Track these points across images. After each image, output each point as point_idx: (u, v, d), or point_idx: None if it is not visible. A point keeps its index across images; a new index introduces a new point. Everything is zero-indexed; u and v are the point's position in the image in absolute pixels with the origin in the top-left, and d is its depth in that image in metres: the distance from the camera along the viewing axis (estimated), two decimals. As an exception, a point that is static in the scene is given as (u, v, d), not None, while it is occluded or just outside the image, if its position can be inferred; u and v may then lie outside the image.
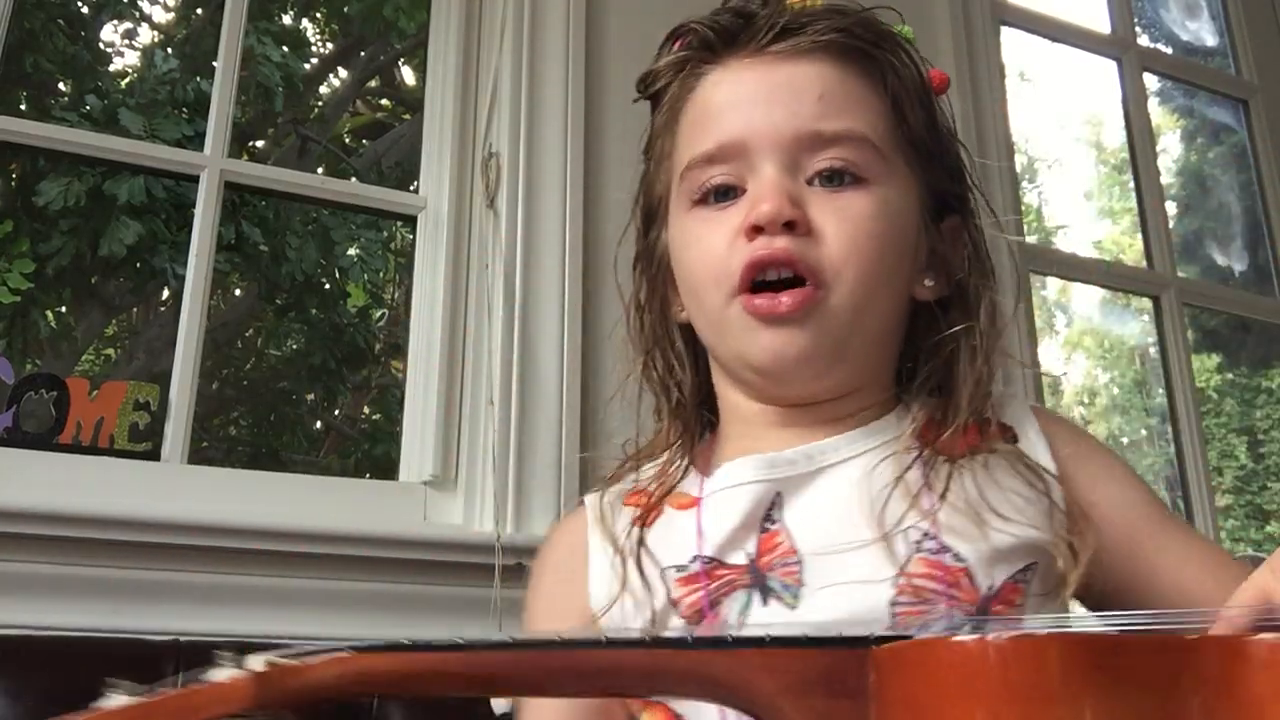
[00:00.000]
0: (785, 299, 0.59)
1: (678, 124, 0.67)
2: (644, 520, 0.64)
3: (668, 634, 0.53)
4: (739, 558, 0.60)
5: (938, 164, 0.67)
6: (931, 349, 0.66)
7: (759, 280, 0.60)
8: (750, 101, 0.63)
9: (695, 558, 0.61)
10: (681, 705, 0.60)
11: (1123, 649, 0.34)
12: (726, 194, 0.63)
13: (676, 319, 0.69)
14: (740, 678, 0.36)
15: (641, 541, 0.63)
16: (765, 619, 0.58)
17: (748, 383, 0.65)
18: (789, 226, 0.60)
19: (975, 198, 0.71)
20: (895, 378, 0.67)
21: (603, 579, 0.64)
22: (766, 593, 0.59)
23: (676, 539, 0.62)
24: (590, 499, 0.70)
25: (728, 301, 0.62)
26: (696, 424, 0.70)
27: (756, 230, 0.60)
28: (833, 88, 0.63)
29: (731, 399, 0.68)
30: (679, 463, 0.67)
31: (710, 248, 0.63)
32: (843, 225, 0.61)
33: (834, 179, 0.62)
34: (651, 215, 0.71)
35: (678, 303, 0.69)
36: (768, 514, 0.61)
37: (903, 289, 0.65)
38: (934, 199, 0.67)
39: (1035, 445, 0.64)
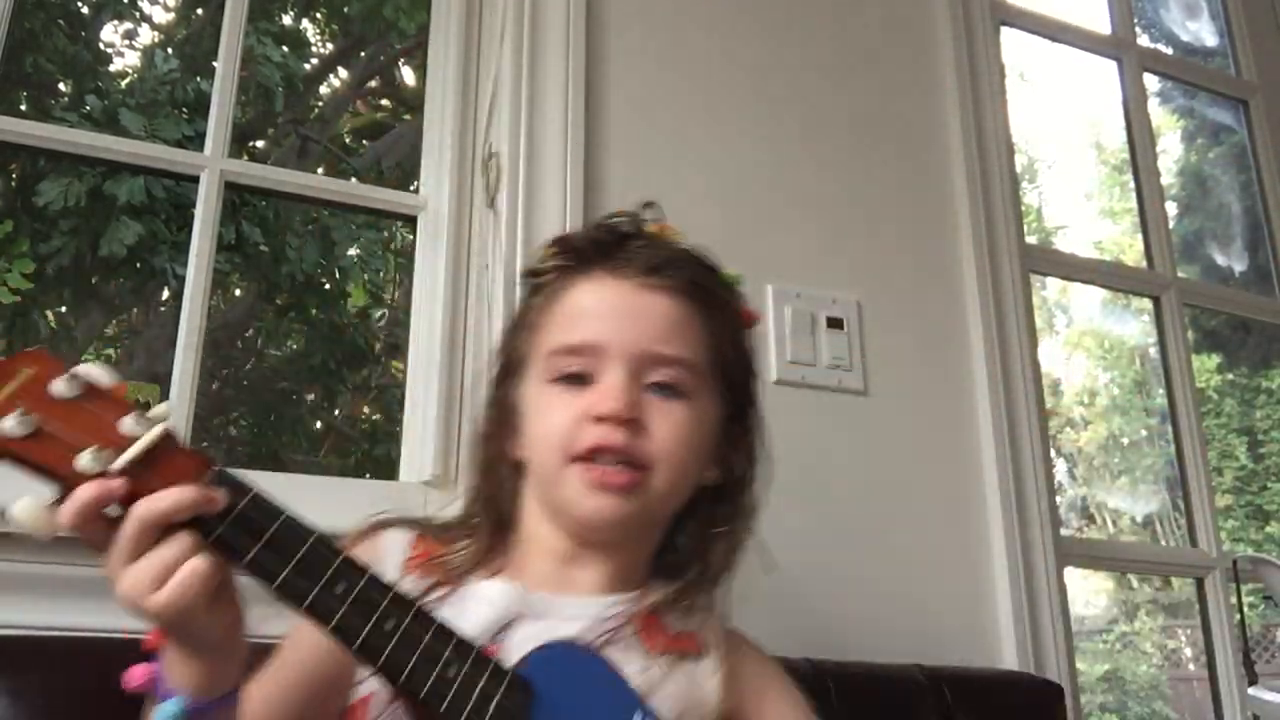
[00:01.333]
0: (619, 477, 0.77)
1: (550, 310, 0.84)
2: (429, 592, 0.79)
3: None
4: None
5: (738, 386, 0.87)
6: (696, 531, 0.85)
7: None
8: (612, 314, 0.81)
9: None
10: None
11: None
12: (579, 380, 0.80)
13: (511, 455, 0.85)
14: None
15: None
16: None
17: (564, 525, 0.81)
18: (629, 423, 0.77)
19: (757, 416, 0.90)
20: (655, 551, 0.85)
21: None
22: None
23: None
24: (391, 539, 0.85)
25: (567, 464, 0.78)
26: (502, 536, 0.85)
27: (602, 419, 0.77)
28: (676, 320, 0.82)
29: (533, 525, 0.83)
30: (468, 558, 0.82)
31: (561, 421, 0.79)
32: (666, 428, 0.79)
33: (664, 390, 0.80)
34: (510, 369, 0.87)
35: (517, 444, 0.84)
36: (500, 631, 0.76)
37: (697, 477, 0.83)
38: (730, 411, 0.86)
39: (712, 670, 0.80)
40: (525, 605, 0.78)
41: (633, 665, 0.76)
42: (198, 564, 0.58)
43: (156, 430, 0.60)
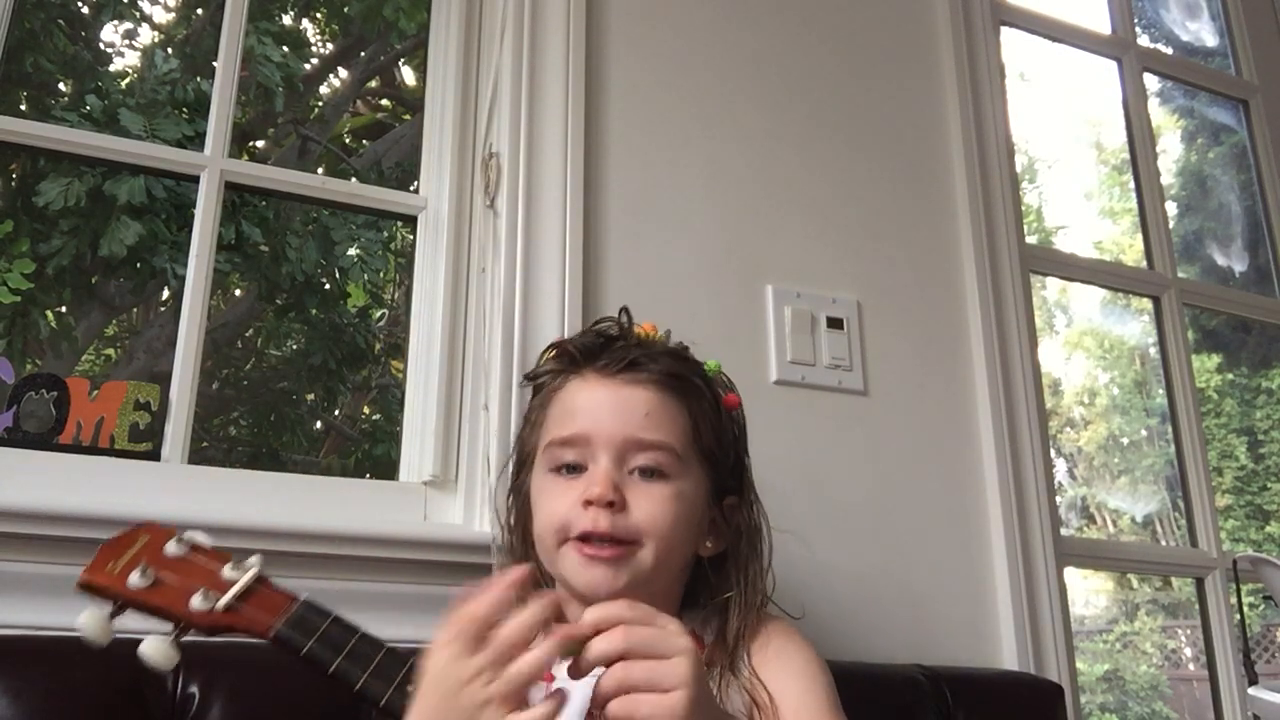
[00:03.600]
0: (606, 551, 0.88)
1: (548, 407, 0.97)
2: None
3: None
4: None
5: (722, 464, 0.97)
6: (708, 595, 0.96)
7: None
8: (599, 408, 0.93)
9: None
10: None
11: None
12: (574, 469, 0.92)
13: (532, 537, 0.97)
14: None
15: None
16: None
17: (575, 598, 0.91)
18: (611, 504, 0.88)
19: (751, 492, 1.01)
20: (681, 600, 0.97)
21: None
22: None
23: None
24: None
25: (562, 543, 0.90)
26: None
27: (589, 503, 0.88)
28: (655, 409, 0.92)
29: (564, 600, 0.93)
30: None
31: (558, 507, 0.91)
32: (647, 506, 0.90)
33: (646, 474, 0.91)
34: (523, 462, 1.00)
35: (534, 528, 0.96)
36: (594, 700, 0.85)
37: (690, 548, 0.95)
38: (718, 485, 0.97)
39: (744, 658, 0.91)
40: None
41: None
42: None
43: (250, 574, 0.74)
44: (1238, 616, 1.80)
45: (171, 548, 0.75)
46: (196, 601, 0.72)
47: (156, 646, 0.71)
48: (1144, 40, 2.38)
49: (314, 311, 4.59)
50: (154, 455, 1.24)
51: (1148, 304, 2.12)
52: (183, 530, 0.77)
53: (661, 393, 0.93)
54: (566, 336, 1.03)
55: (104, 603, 0.73)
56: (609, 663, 0.67)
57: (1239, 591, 1.64)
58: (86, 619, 0.71)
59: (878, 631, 1.41)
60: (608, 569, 0.88)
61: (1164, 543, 6.37)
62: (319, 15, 5.45)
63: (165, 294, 4.64)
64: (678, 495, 0.91)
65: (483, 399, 1.34)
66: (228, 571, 0.74)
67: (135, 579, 0.72)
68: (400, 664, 0.72)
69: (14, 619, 1.04)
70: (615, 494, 0.89)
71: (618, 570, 0.88)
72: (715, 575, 0.97)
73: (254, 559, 0.76)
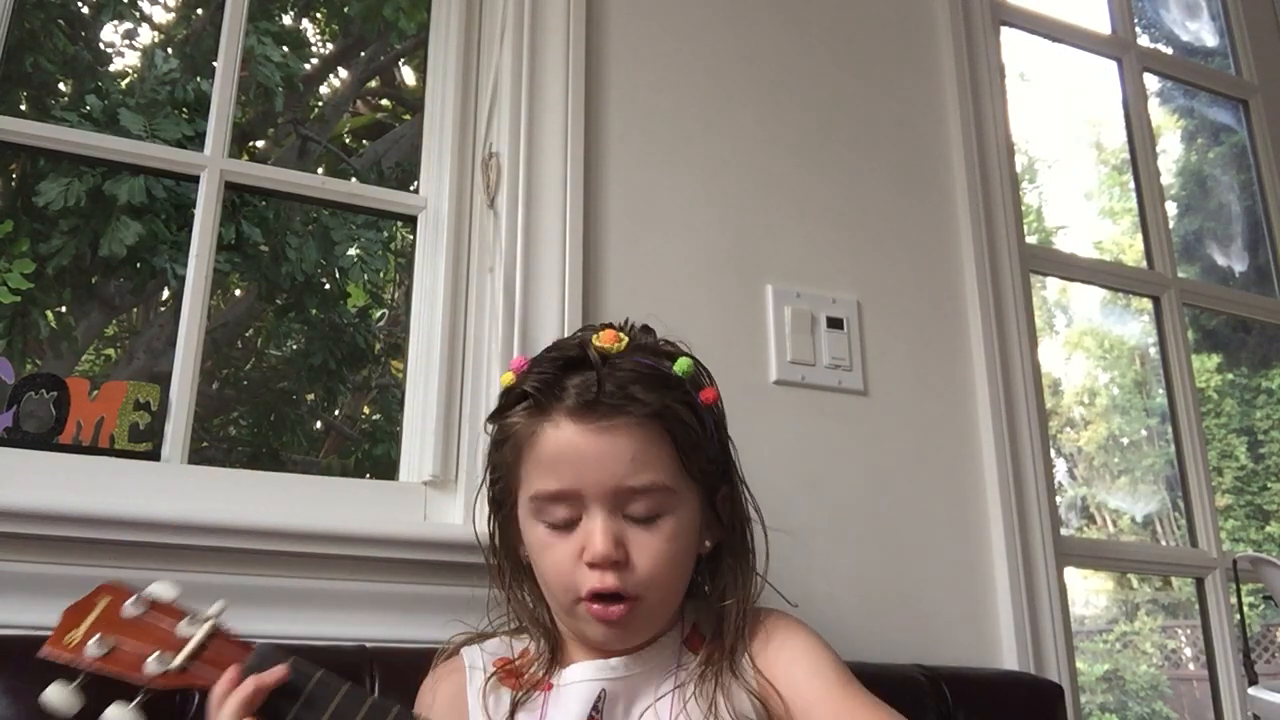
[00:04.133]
0: (615, 610, 0.88)
1: (524, 450, 0.91)
2: (515, 703, 0.91)
3: None
4: None
5: (710, 471, 0.94)
6: (707, 587, 0.97)
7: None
8: (581, 462, 0.87)
9: None
10: None
11: None
12: (566, 519, 0.89)
13: (524, 558, 0.96)
14: None
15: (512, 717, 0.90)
16: None
17: (581, 639, 0.93)
18: (616, 563, 0.87)
19: (739, 479, 0.98)
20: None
21: None
22: None
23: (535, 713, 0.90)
24: (469, 654, 0.96)
25: (575, 602, 0.89)
26: (555, 630, 0.97)
27: (592, 565, 0.87)
28: (640, 451, 0.88)
29: (562, 618, 0.95)
30: (541, 662, 0.94)
31: (560, 563, 0.89)
32: (647, 559, 0.88)
33: (643, 520, 0.89)
34: (503, 489, 0.96)
35: (524, 549, 0.95)
36: (595, 705, 0.89)
37: (692, 562, 0.94)
38: (710, 489, 0.94)
39: (746, 658, 0.92)
40: (603, 676, 0.91)
41: (686, 670, 0.92)
42: None
43: (205, 628, 0.75)
44: (1238, 616, 1.80)
45: (129, 609, 0.75)
46: (151, 665, 0.73)
47: (120, 714, 0.72)
48: (1144, 40, 2.38)
49: (314, 311, 4.59)
50: (154, 455, 1.24)
51: (1148, 304, 2.12)
52: (142, 589, 0.77)
53: (644, 431, 0.88)
54: (540, 351, 0.97)
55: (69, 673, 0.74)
56: None
57: (1239, 591, 1.64)
58: (52, 694, 0.73)
59: (877, 631, 1.41)
60: (620, 629, 0.89)
61: (1164, 543, 6.37)
62: (319, 15, 5.45)
63: (165, 294, 4.64)
64: (676, 532, 0.90)
65: (485, 396, 1.34)
66: (183, 628, 0.74)
67: (92, 648, 0.73)
68: (359, 705, 0.72)
69: (14, 619, 1.04)
70: (618, 550, 0.87)
71: (629, 627, 0.90)
72: (713, 567, 0.97)
73: (216, 607, 0.76)
